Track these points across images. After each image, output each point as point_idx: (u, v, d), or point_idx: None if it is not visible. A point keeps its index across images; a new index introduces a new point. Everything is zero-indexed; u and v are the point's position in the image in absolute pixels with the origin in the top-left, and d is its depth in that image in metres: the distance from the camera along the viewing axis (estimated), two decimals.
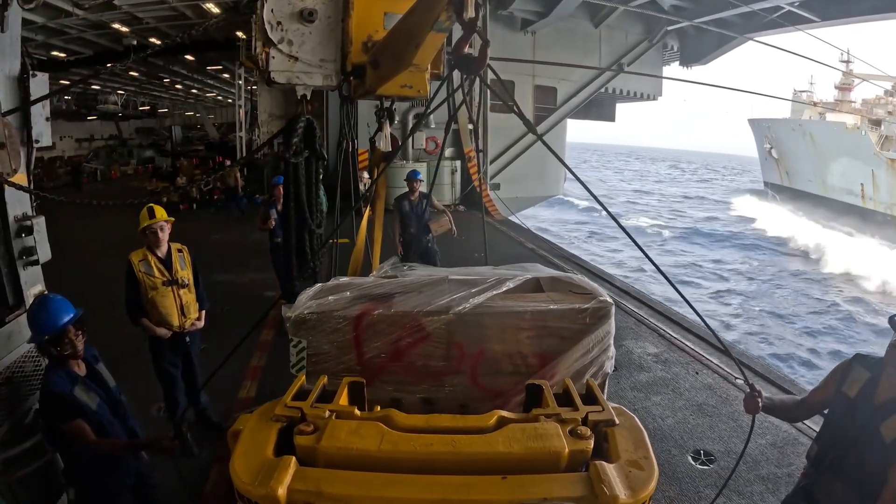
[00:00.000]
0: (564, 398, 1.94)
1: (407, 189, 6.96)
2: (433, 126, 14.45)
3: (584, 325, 2.36)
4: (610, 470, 1.52)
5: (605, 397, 2.06)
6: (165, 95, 40.08)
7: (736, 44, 17.34)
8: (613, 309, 2.41)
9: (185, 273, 3.91)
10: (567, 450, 1.58)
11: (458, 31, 1.93)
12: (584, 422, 1.75)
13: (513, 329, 2.37)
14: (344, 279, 2.83)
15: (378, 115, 3.77)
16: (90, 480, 2.56)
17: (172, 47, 17.81)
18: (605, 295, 2.47)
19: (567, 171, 2.64)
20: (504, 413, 1.77)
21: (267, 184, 13.35)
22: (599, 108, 19.54)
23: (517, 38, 16.05)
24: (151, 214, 3.72)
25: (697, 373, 5.41)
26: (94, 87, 32.48)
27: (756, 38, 16.06)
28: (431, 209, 7.08)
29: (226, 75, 28.57)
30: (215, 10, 15.61)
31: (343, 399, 1.94)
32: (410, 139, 14.40)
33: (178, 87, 35.63)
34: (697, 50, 19.03)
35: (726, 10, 14.72)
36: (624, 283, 8.91)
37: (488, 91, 2.36)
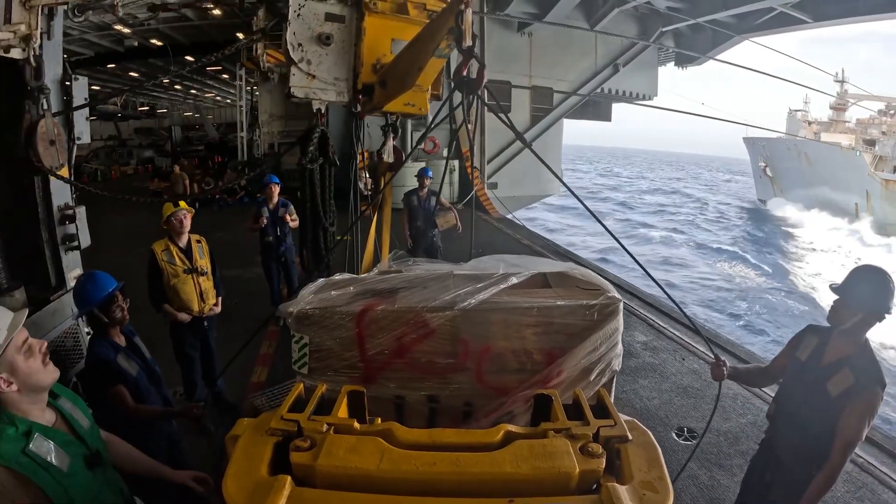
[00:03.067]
0: (574, 410, 1.84)
1: (417, 185, 7.36)
2: (432, 127, 14.70)
3: (592, 321, 2.29)
4: (623, 492, 1.41)
5: (612, 398, 2.00)
6: (164, 96, 40.21)
7: (729, 45, 17.65)
8: (622, 305, 2.37)
9: (204, 262, 4.23)
10: (577, 470, 1.48)
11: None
12: (596, 437, 1.66)
13: (519, 325, 2.31)
14: (347, 275, 2.81)
15: (384, 130, 4.18)
16: None
17: (173, 48, 18.09)
18: (614, 291, 2.42)
19: (559, 180, 2.90)
20: (511, 427, 1.69)
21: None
22: (596, 108, 19.78)
23: (514, 40, 16.30)
24: (176, 204, 4.07)
25: (684, 359, 5.69)
26: (93, 87, 32.50)
27: (733, 62, 16.45)
28: (440, 206, 7.46)
29: (225, 76, 28.79)
30: (216, 11, 15.86)
31: (342, 410, 1.86)
32: (410, 140, 14.71)
33: (178, 87, 35.81)
34: (692, 50, 19.31)
35: (719, 12, 15.01)
36: (615, 276, 9.18)
37: (485, 104, 2.62)
